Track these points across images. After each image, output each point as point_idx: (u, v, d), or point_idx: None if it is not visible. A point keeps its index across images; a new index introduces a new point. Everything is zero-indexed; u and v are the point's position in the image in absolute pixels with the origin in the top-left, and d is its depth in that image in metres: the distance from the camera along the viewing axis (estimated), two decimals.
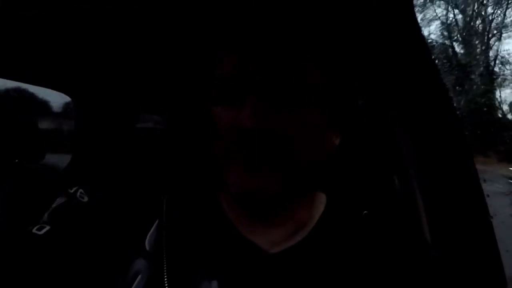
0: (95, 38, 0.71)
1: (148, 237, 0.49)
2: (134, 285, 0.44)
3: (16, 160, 1.28)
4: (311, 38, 0.48)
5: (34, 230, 0.47)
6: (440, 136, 0.63)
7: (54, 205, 0.50)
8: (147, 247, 0.48)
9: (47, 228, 0.47)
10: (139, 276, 0.45)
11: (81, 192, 0.53)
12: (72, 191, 0.53)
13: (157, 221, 0.51)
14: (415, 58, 0.61)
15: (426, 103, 0.63)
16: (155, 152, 0.70)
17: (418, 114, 0.64)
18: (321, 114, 0.48)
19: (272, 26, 0.46)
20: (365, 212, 0.57)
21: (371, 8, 0.55)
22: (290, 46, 0.46)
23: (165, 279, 0.44)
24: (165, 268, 0.45)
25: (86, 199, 0.53)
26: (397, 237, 0.54)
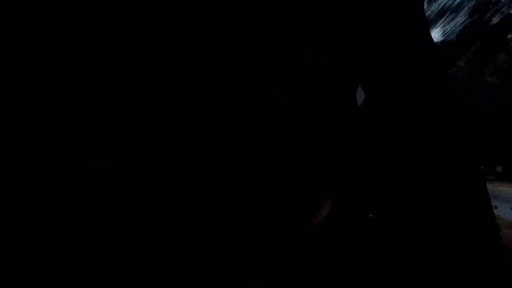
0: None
1: None
2: None
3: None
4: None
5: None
6: (445, 136, 0.66)
7: None
8: None
9: None
10: None
11: None
12: None
13: None
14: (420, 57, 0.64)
15: (433, 104, 0.67)
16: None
17: (423, 116, 0.68)
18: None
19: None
20: (370, 215, 0.62)
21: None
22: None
23: None
24: None
25: None
26: (403, 239, 0.59)
